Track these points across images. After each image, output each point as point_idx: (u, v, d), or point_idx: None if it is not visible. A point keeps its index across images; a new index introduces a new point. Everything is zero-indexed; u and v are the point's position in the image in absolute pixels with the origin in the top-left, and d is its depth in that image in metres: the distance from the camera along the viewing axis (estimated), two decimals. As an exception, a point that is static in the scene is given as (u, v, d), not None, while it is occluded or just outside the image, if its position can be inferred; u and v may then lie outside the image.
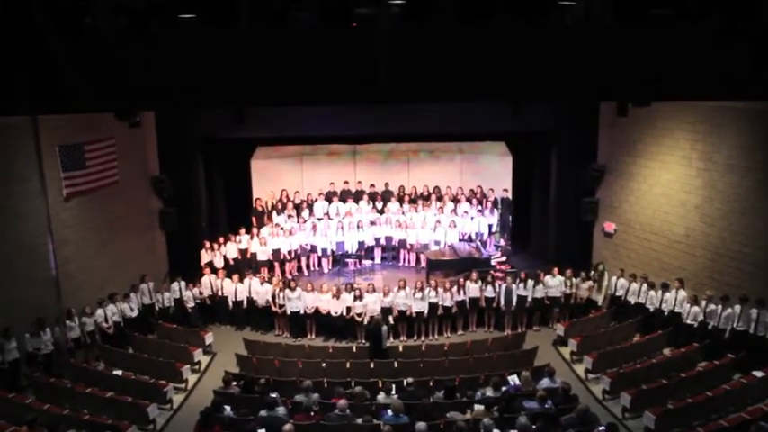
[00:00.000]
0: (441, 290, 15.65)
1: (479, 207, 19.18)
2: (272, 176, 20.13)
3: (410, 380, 11.55)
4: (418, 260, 18.90)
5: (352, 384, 12.06)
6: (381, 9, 8.60)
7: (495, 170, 20.28)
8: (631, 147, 16.68)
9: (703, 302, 14.08)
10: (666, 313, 14.86)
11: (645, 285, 15.46)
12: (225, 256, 17.44)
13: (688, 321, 14.32)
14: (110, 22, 9.52)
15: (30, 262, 13.16)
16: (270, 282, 16.27)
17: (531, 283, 15.92)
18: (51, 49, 8.84)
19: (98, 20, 9.53)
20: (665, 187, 15.94)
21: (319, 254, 18.59)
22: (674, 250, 15.77)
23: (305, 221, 18.66)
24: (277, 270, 17.95)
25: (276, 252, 17.74)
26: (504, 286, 15.93)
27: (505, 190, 19.60)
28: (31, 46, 8.68)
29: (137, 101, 9.90)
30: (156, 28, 9.34)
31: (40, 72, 8.66)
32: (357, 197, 19.65)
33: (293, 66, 8.61)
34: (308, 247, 18.40)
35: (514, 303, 15.90)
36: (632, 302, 15.66)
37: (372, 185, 20.12)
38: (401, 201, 19.66)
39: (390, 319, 15.28)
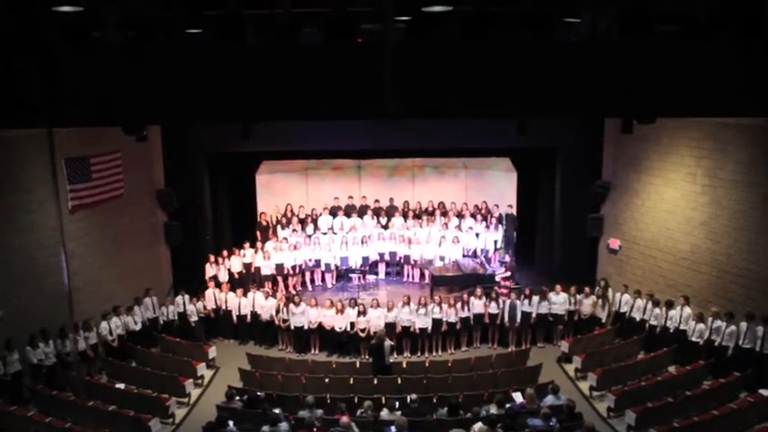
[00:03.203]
0: (445, 306, 15.61)
1: (484, 223, 19.16)
2: (276, 191, 20.17)
3: (414, 396, 11.51)
4: (422, 276, 18.87)
5: (356, 400, 12.02)
6: (387, 25, 8.64)
7: (499, 186, 20.28)
8: (636, 163, 16.68)
9: (709, 319, 14.01)
10: (672, 330, 14.79)
11: (650, 302, 15.40)
12: (229, 270, 17.44)
13: (693, 339, 14.24)
14: (117, 36, 9.59)
15: (36, 274, 13.19)
16: (274, 296, 16.26)
17: (535, 299, 15.87)
18: (60, 62, 8.91)
19: (106, 33, 9.61)
20: (670, 204, 15.92)
21: (323, 269, 18.57)
22: (679, 267, 15.73)
23: (309, 236, 18.66)
24: (281, 284, 17.94)
25: (280, 266, 17.74)
26: (508, 302, 15.88)
27: (510, 206, 19.59)
28: (44, 58, 8.74)
29: (143, 115, 9.94)
30: (164, 42, 9.41)
31: (53, 85, 8.72)
32: (362, 212, 19.66)
33: (299, 81, 8.64)
34: (312, 262, 18.39)
35: (519, 320, 15.84)
36: (637, 319, 15.59)
37: (377, 200, 20.13)
38: (406, 216, 19.66)
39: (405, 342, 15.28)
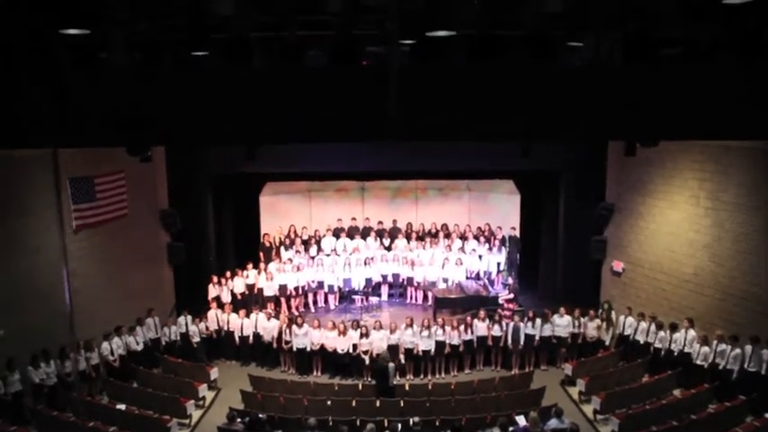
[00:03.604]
0: (448, 328, 15.56)
1: (487, 245, 19.16)
2: (280, 212, 20.20)
3: (416, 419, 11.43)
4: (425, 298, 18.82)
5: (358, 423, 11.94)
6: (392, 48, 8.70)
7: (503, 208, 20.29)
8: (640, 186, 16.71)
9: (714, 342, 13.94)
10: (676, 353, 14.71)
11: (653, 324, 15.34)
12: (232, 291, 17.42)
13: (698, 362, 14.17)
14: (124, 58, 9.67)
15: (39, 293, 13.19)
16: (276, 317, 16.23)
17: (539, 321, 15.82)
18: (67, 83, 8.98)
19: (113, 55, 9.70)
20: (673, 226, 15.92)
21: (326, 290, 18.55)
22: (683, 289, 15.68)
23: (312, 257, 18.66)
24: (283, 306, 17.91)
25: (283, 287, 17.73)
26: (511, 325, 15.83)
27: (513, 228, 19.59)
28: (51, 79, 8.82)
29: (149, 136, 10.00)
30: (170, 64, 9.48)
31: (58, 105, 8.78)
32: (365, 234, 19.67)
33: (304, 104, 8.70)
34: (315, 284, 18.37)
35: (522, 342, 15.77)
36: (641, 342, 15.52)
37: (380, 222, 20.14)
38: (409, 238, 19.66)
39: (402, 358, 15.20)
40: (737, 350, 13.46)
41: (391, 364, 13.97)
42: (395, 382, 14.16)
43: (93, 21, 6.68)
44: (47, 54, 8.83)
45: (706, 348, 14.05)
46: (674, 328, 14.93)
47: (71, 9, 6.49)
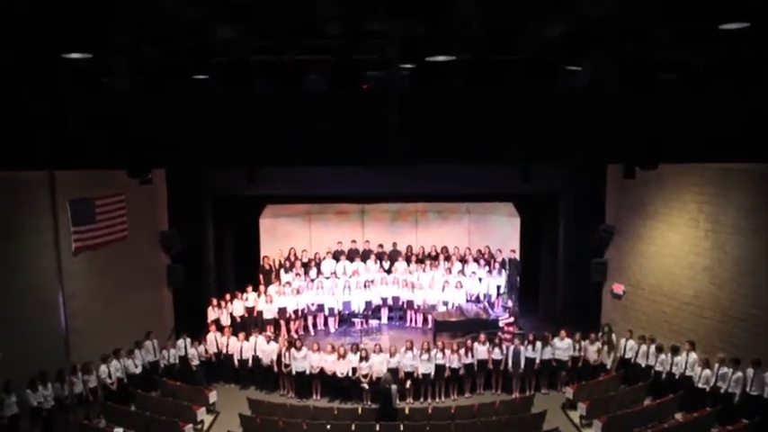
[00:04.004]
0: (448, 351, 15.49)
1: (487, 268, 19.14)
2: (280, 235, 20.21)
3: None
4: (425, 321, 18.77)
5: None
6: (392, 73, 8.76)
7: (503, 231, 20.30)
8: (640, 209, 16.74)
9: (715, 366, 13.88)
10: (677, 376, 14.65)
11: (653, 347, 15.29)
12: (231, 314, 17.37)
13: (700, 385, 14.10)
14: (125, 82, 9.74)
15: (37, 315, 13.14)
16: (276, 340, 16.17)
17: (539, 344, 15.75)
18: (68, 106, 9.03)
19: (115, 79, 9.76)
20: (673, 249, 15.92)
21: (326, 313, 18.50)
22: (684, 312, 15.65)
23: (312, 280, 18.63)
24: (283, 329, 17.85)
25: (282, 310, 17.68)
26: (512, 348, 15.77)
27: (513, 251, 19.59)
28: (50, 102, 8.87)
29: (150, 159, 10.04)
30: (171, 88, 9.54)
31: (57, 128, 8.83)
32: (365, 256, 19.65)
33: (305, 127, 8.76)
34: (315, 306, 18.33)
35: (522, 366, 15.70)
36: (642, 365, 15.46)
37: (380, 245, 20.14)
38: (409, 260, 19.64)
39: (407, 383, 15.17)
40: (739, 373, 13.40)
41: (393, 386, 13.91)
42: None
43: (95, 45, 6.72)
44: (48, 77, 8.90)
45: (708, 371, 13.99)
46: (675, 350, 14.87)
47: (74, 34, 6.53)
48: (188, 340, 16.24)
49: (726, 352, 14.09)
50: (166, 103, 9.39)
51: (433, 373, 15.40)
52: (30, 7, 6.92)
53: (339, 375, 15.40)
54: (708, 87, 9.47)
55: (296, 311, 18.02)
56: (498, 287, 19.01)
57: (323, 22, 8.34)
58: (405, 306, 19.05)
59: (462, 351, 15.55)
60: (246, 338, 16.29)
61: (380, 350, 15.40)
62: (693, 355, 14.51)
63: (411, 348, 15.38)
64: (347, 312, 18.39)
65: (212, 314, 17.14)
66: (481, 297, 18.75)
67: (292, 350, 15.55)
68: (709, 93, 9.52)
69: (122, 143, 9.24)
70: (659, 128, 9.28)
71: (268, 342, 16.07)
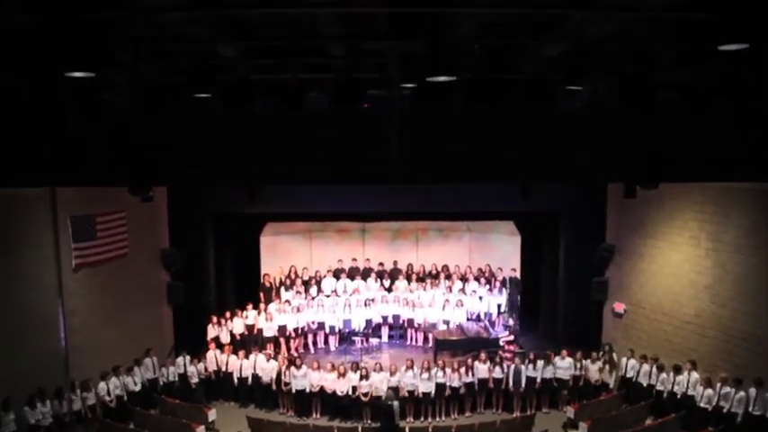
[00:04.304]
0: (448, 370, 15.42)
1: (488, 286, 19.10)
2: (281, 252, 20.18)
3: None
4: (426, 339, 18.70)
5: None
6: (393, 92, 8.81)
7: (503, 249, 20.28)
8: (641, 227, 16.73)
9: (717, 385, 13.80)
10: (679, 396, 14.56)
11: (655, 366, 15.22)
12: (231, 332, 17.32)
13: (702, 405, 14.00)
14: (127, 99, 9.79)
15: (36, 331, 13.13)
16: (275, 358, 16.11)
17: (540, 363, 15.68)
18: (70, 123, 9.08)
19: (116, 96, 9.81)
20: (674, 267, 15.90)
21: (327, 331, 18.44)
22: (685, 331, 15.60)
23: (313, 298, 18.60)
24: (283, 347, 17.79)
25: (282, 328, 17.63)
26: (512, 367, 15.69)
27: (514, 269, 19.56)
28: (52, 119, 8.91)
29: (151, 177, 10.07)
30: (173, 106, 9.59)
31: (59, 145, 8.87)
32: (365, 275, 19.62)
33: (305, 145, 8.79)
34: (315, 325, 18.28)
35: (523, 385, 15.62)
36: (644, 384, 15.38)
37: (381, 263, 20.12)
38: (409, 279, 19.61)
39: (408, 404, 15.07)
40: (741, 393, 13.32)
41: (396, 403, 13.85)
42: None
43: (97, 64, 6.77)
44: (50, 94, 8.95)
45: (710, 391, 13.91)
46: (677, 370, 14.80)
47: (76, 54, 6.58)
48: (187, 358, 16.18)
49: (728, 371, 14.01)
50: (168, 121, 9.44)
51: (433, 392, 15.32)
52: (31, 27, 6.99)
53: (339, 394, 15.32)
54: (708, 107, 9.53)
55: (296, 329, 17.97)
56: (499, 306, 18.96)
57: (324, 41, 8.41)
58: (405, 324, 19.00)
59: (463, 370, 15.48)
60: (246, 356, 16.23)
61: (381, 369, 15.33)
62: (695, 375, 14.44)
63: (411, 367, 15.31)
64: (347, 331, 18.33)
65: (212, 332, 17.08)
66: (482, 316, 18.68)
67: (292, 368, 15.49)
68: (708, 112, 9.57)
69: (124, 160, 9.28)
70: (659, 147, 9.31)
71: (268, 360, 16.01)
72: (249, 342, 17.28)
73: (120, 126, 9.48)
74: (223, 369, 16.30)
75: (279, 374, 15.68)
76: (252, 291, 18.96)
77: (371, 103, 9.79)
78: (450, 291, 18.85)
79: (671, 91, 9.88)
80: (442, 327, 18.10)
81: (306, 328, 18.24)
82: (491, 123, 9.04)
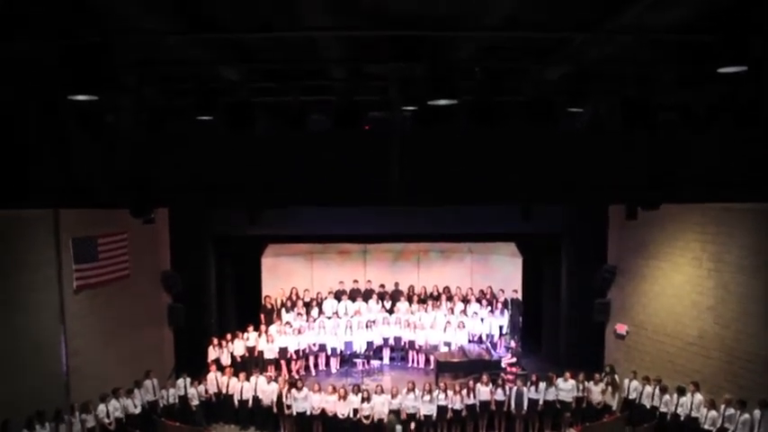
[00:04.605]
0: (450, 392, 15.32)
1: (489, 308, 19.04)
2: (282, 274, 20.16)
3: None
4: (427, 361, 18.61)
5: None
6: (394, 114, 8.85)
7: (505, 271, 20.25)
8: (643, 248, 16.72)
9: (722, 407, 13.71)
10: (683, 418, 14.44)
11: (658, 388, 15.12)
12: (232, 354, 17.25)
13: (706, 426, 13.88)
14: (130, 122, 9.84)
15: (36, 353, 13.06)
16: (276, 381, 16.02)
17: (542, 385, 15.58)
18: (72, 145, 9.11)
19: (120, 118, 9.86)
20: (676, 288, 15.86)
21: (328, 353, 18.37)
22: (688, 352, 15.53)
23: (314, 320, 18.55)
24: (283, 369, 17.71)
25: (283, 350, 17.56)
26: (514, 389, 15.60)
27: (515, 291, 19.51)
28: (55, 141, 8.95)
29: (153, 199, 10.09)
30: (175, 128, 9.64)
31: (62, 166, 8.90)
32: (366, 296, 19.58)
33: (307, 167, 8.82)
34: (317, 347, 18.21)
35: (526, 407, 15.51)
36: (647, 406, 15.26)
37: (382, 285, 20.08)
38: (410, 300, 19.56)
39: (411, 426, 14.96)
40: (746, 415, 13.21)
41: (399, 427, 13.75)
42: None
43: (101, 88, 6.81)
44: (53, 116, 9.00)
45: (714, 413, 13.80)
46: (681, 391, 14.70)
47: (80, 77, 6.63)
48: (188, 380, 16.10)
49: (732, 393, 13.93)
50: (170, 143, 9.48)
51: (435, 415, 15.19)
52: (34, 51, 7.05)
53: (340, 416, 15.20)
54: (708, 128, 9.56)
55: (297, 351, 17.89)
56: (501, 327, 18.89)
57: (325, 64, 8.46)
58: (407, 346, 18.91)
59: (465, 392, 15.38)
60: (247, 378, 16.14)
61: (382, 391, 15.25)
62: (699, 396, 14.34)
63: (413, 389, 15.22)
64: (349, 353, 18.26)
65: (213, 354, 17.01)
66: (483, 337, 18.61)
67: (293, 391, 15.40)
68: (709, 133, 9.60)
69: (126, 183, 9.30)
70: (661, 168, 9.33)
71: (269, 382, 15.92)
72: (250, 364, 17.21)
73: (122, 148, 9.52)
74: (224, 391, 16.20)
75: (280, 397, 15.58)
76: (253, 312, 18.91)
77: (373, 126, 9.84)
78: (452, 312, 18.80)
79: (672, 112, 9.92)
80: (444, 349, 18.03)
81: (307, 350, 18.16)
82: (492, 145, 9.07)
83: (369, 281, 20.22)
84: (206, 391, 16.17)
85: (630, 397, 15.74)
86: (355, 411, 15.13)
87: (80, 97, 7.16)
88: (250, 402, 16.01)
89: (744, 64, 6.57)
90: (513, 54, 8.27)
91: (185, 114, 9.48)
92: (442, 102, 7.67)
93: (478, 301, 19.32)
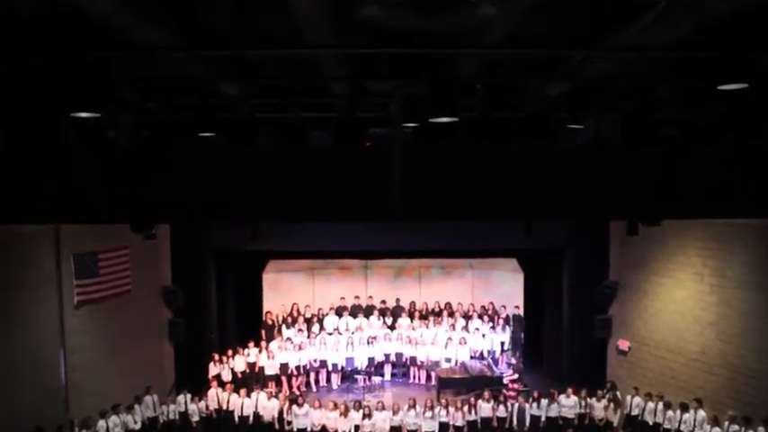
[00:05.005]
0: (452, 409, 15.24)
1: (491, 324, 18.99)
2: (283, 290, 20.14)
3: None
4: (429, 377, 18.54)
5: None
6: (395, 130, 8.87)
7: (506, 287, 20.22)
8: (644, 264, 16.70)
9: (725, 424, 13.62)
10: (686, 435, 14.38)
11: (661, 404, 15.04)
12: (233, 370, 17.19)
13: (710, 444, 13.82)
14: (131, 137, 9.86)
15: (36, 369, 13.02)
16: (277, 397, 15.96)
17: (544, 402, 15.50)
18: (74, 160, 9.13)
19: (121, 134, 9.89)
20: (678, 304, 15.83)
21: (329, 369, 18.31)
22: (691, 368, 15.46)
23: (315, 336, 18.50)
24: (284, 385, 17.64)
25: (284, 366, 17.50)
26: (516, 405, 15.53)
27: (517, 307, 19.45)
28: (56, 156, 8.97)
29: (154, 215, 10.09)
30: (176, 144, 9.65)
31: (63, 182, 8.91)
32: (368, 312, 19.53)
33: (309, 183, 8.82)
34: (318, 363, 18.15)
35: (528, 423, 15.43)
36: (650, 423, 15.16)
37: (383, 301, 20.03)
38: (412, 317, 19.51)
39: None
40: (750, 432, 13.17)
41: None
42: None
43: (101, 105, 6.84)
44: (54, 131, 9.02)
45: (717, 429, 13.70)
46: (684, 408, 14.61)
47: (80, 94, 6.66)
48: (188, 396, 16.02)
49: (736, 409, 13.85)
50: (170, 158, 9.49)
51: (436, 431, 15.14)
52: (35, 66, 7.08)
53: (341, 434, 15.16)
54: (709, 143, 9.58)
55: (298, 367, 17.83)
56: (502, 343, 18.83)
57: (327, 81, 8.49)
58: (408, 363, 18.86)
59: (466, 408, 15.30)
60: (248, 395, 16.07)
61: (383, 407, 15.19)
62: (702, 413, 14.25)
63: (414, 406, 15.16)
64: (350, 369, 18.19)
65: (213, 369, 16.95)
66: (485, 353, 18.54)
67: (294, 407, 15.34)
68: (710, 148, 9.61)
69: (127, 198, 9.31)
70: (662, 184, 9.33)
71: (269, 398, 15.85)
72: (251, 380, 17.14)
73: (123, 163, 9.54)
74: (224, 407, 16.12)
75: (280, 413, 15.52)
76: (254, 328, 18.88)
77: (374, 142, 9.86)
78: (453, 328, 18.76)
79: (673, 128, 9.94)
80: (445, 365, 17.96)
81: (308, 366, 18.10)
82: (493, 161, 9.08)
83: (370, 297, 20.17)
84: (206, 408, 16.09)
85: (633, 413, 15.66)
86: (356, 428, 15.06)
87: (83, 114, 7.18)
88: (251, 419, 15.91)
89: (743, 81, 6.58)
90: (513, 71, 8.30)
91: (186, 130, 9.51)
92: (443, 119, 7.69)
93: (480, 316, 19.25)
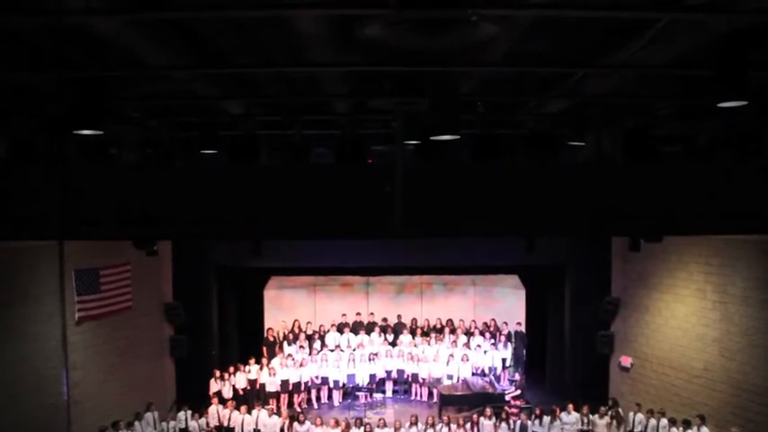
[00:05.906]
0: (454, 426, 15.18)
1: (493, 340, 18.94)
2: (284, 306, 20.12)
3: None
4: (431, 394, 18.46)
5: None
6: (397, 147, 8.91)
7: (508, 303, 20.19)
8: (646, 280, 16.69)
9: (729, 441, 13.58)
10: (690, 452, 14.30)
11: (663, 421, 14.97)
12: (234, 386, 17.14)
13: (713, 461, 13.75)
14: (134, 154, 9.92)
15: (39, 385, 13.00)
16: (278, 414, 15.90)
17: (546, 419, 15.43)
18: (77, 177, 9.18)
19: (124, 151, 9.95)
20: (681, 320, 15.79)
21: (330, 386, 18.25)
22: (694, 385, 15.40)
23: (316, 352, 18.46)
24: (285, 402, 17.57)
25: (285, 383, 17.44)
26: (518, 423, 15.45)
27: (519, 323, 19.40)
28: (59, 172, 9.01)
29: (156, 231, 10.12)
30: (179, 161, 9.71)
31: (66, 198, 8.95)
32: (369, 329, 19.48)
33: (310, 200, 8.85)
34: (319, 380, 18.10)
35: (530, 441, 15.38)
36: (653, 440, 15.13)
37: (385, 319, 19.99)
38: (413, 333, 19.45)
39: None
40: (753, 450, 13.10)
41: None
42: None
43: (104, 123, 6.90)
44: (57, 147, 9.08)
45: (720, 447, 13.68)
46: (687, 424, 14.54)
47: (83, 112, 6.71)
48: (189, 413, 15.97)
49: (739, 426, 13.79)
50: (173, 175, 9.54)
51: (438, 449, 15.10)
52: (39, 83, 7.14)
53: (343, 451, 15.09)
54: (711, 159, 9.61)
55: (299, 384, 17.77)
56: (504, 360, 18.77)
57: (329, 98, 8.55)
58: (409, 379, 18.78)
59: (468, 425, 15.25)
60: (249, 412, 16.01)
61: (385, 424, 15.14)
62: (705, 430, 14.17)
63: (416, 423, 15.10)
64: (351, 386, 18.13)
65: (215, 386, 16.90)
66: (487, 370, 18.48)
67: (295, 424, 15.29)
68: (712, 164, 9.64)
69: (129, 215, 9.34)
70: (663, 200, 9.35)
71: (270, 415, 15.78)
72: (252, 397, 17.08)
73: (126, 180, 9.58)
74: (225, 424, 16.05)
75: (282, 430, 15.46)
76: (255, 345, 18.84)
77: (375, 159, 9.90)
78: (455, 345, 18.70)
79: (674, 144, 9.98)
80: (447, 381, 17.89)
81: (309, 383, 18.04)
82: (494, 178, 9.11)
83: (371, 313, 20.12)
84: (207, 424, 16.03)
85: (635, 430, 15.59)
86: (358, 445, 15.01)
87: (86, 132, 7.23)
88: (251, 436, 15.88)
89: (743, 99, 6.62)
90: (514, 88, 8.35)
91: (189, 147, 9.57)
92: (445, 137, 7.73)
93: (482, 333, 19.20)
